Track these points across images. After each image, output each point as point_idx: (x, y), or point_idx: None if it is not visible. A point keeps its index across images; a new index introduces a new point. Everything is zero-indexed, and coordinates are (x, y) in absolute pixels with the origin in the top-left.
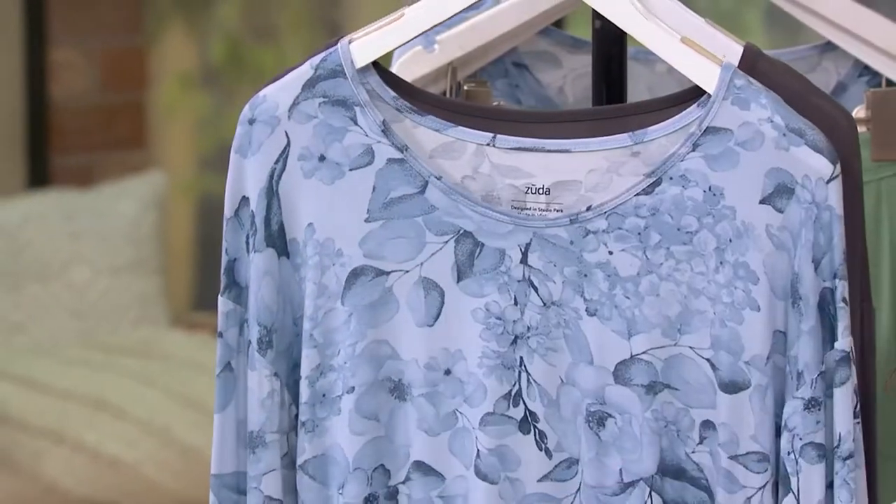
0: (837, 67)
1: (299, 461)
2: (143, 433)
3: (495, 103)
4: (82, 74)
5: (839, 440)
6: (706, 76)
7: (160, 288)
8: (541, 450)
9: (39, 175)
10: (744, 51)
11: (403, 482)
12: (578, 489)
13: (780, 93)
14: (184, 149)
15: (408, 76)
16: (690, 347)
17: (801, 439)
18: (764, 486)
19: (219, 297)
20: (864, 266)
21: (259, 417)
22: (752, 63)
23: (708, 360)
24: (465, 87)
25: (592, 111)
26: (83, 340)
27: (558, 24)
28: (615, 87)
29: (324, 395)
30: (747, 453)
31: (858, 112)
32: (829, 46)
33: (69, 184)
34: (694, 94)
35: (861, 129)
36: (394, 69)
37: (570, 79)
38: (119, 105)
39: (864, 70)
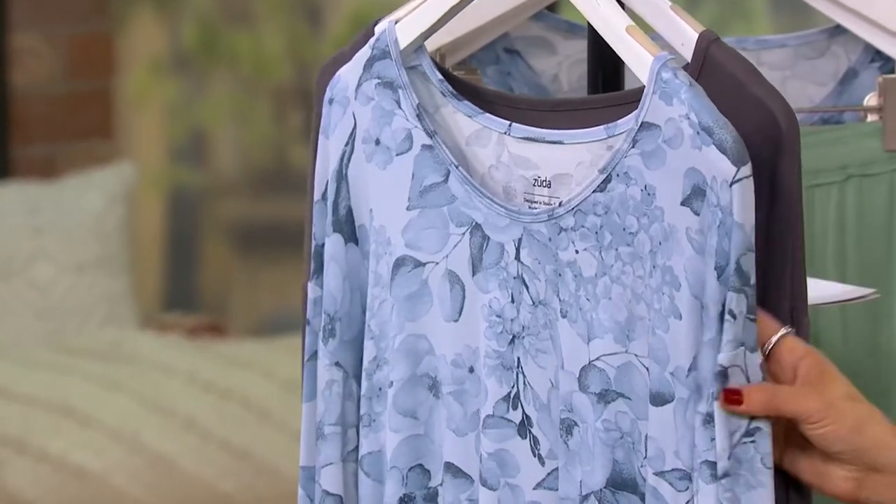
0: (847, 52)
1: (359, 455)
2: (111, 441)
3: None
4: (46, 61)
5: (717, 458)
6: (642, 68)
7: (129, 287)
8: (534, 456)
9: (0, 167)
10: (698, 37)
11: (441, 484)
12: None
13: (724, 81)
14: (153, 139)
15: None
16: (636, 355)
17: (699, 457)
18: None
19: (308, 283)
20: (800, 276)
21: (319, 408)
22: (704, 49)
23: (647, 368)
24: (455, 75)
25: (597, 99)
26: (47, 342)
27: (552, 7)
28: (611, 73)
29: (380, 389)
30: (672, 470)
31: (870, 100)
32: (838, 30)
33: (32, 176)
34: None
35: (873, 117)
36: None
37: (565, 66)
38: (85, 93)
39: (876, 55)
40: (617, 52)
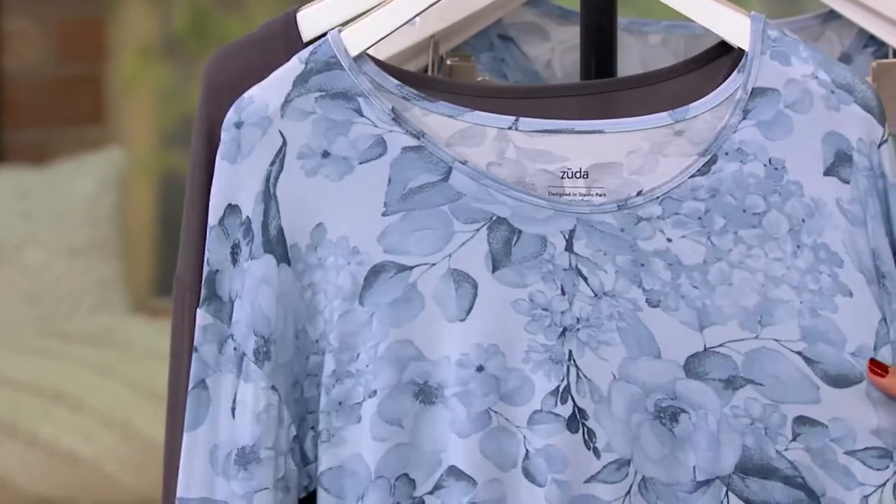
0: (841, 38)
1: (317, 472)
2: (102, 426)
3: (480, 78)
4: (37, 45)
5: None
6: (736, 30)
7: (120, 272)
8: (589, 449)
9: None
10: (751, 20)
11: (432, 492)
12: (628, 492)
13: None
14: (144, 124)
15: (386, 51)
16: (776, 340)
17: None
18: (884, 483)
19: (198, 309)
20: None
21: (254, 431)
22: (761, 32)
23: (799, 353)
24: (448, 62)
25: (609, 82)
26: (38, 328)
27: None
28: (605, 59)
29: (340, 403)
30: (865, 448)
31: None
32: (831, 15)
33: (23, 161)
34: (715, 54)
35: None
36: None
37: (559, 52)
38: (76, 78)
39: (870, 40)
40: (692, 17)
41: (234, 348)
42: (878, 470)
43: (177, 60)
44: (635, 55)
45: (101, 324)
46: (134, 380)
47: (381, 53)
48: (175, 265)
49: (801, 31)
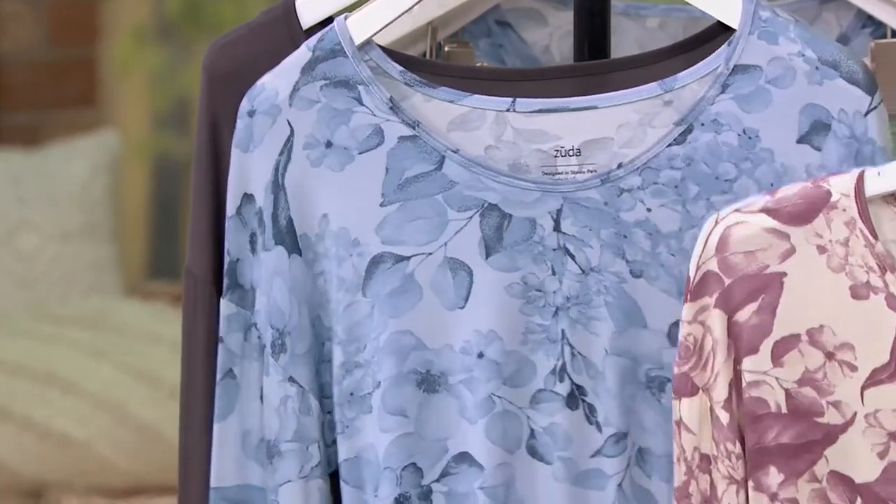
0: (839, 18)
1: (338, 465)
2: (96, 409)
3: (478, 64)
4: (29, 27)
5: None
6: (728, 10)
7: (113, 255)
8: (591, 424)
9: None
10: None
11: (438, 479)
12: (628, 465)
13: None
14: (138, 106)
15: (384, 39)
16: None
17: None
18: None
19: (221, 299)
20: None
21: (273, 426)
22: (752, 13)
23: None
24: (446, 48)
25: (606, 63)
26: (31, 311)
27: None
28: (598, 42)
29: (351, 394)
30: None
31: None
32: None
33: (15, 144)
34: (711, 35)
35: None
36: None
37: (556, 37)
38: (69, 60)
39: (868, 20)
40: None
41: (259, 337)
42: None
43: (170, 43)
44: (632, 39)
45: (95, 307)
46: (128, 363)
47: (380, 41)
48: (168, 248)
49: (799, 11)
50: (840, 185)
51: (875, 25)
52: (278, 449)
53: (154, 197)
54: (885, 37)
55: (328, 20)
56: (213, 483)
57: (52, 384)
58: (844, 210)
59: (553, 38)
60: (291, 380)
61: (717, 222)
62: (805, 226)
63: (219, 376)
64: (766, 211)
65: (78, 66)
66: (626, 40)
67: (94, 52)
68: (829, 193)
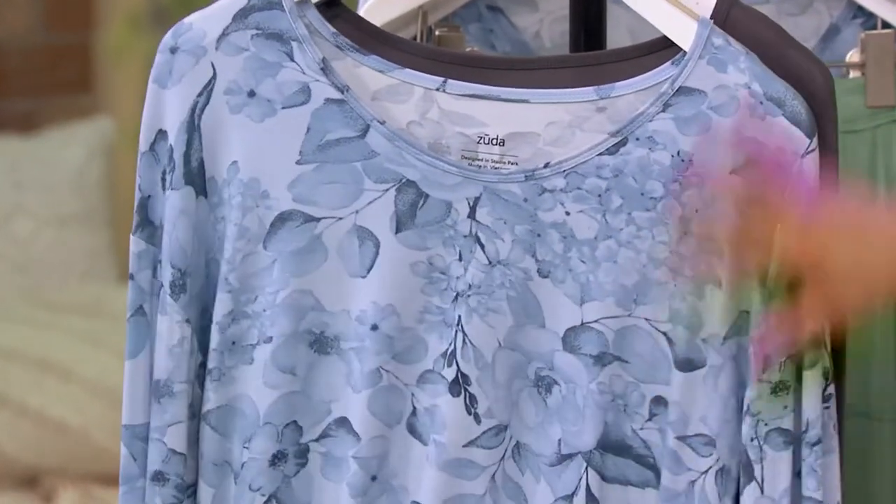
0: (830, 9)
1: (203, 410)
2: (91, 396)
3: (468, 49)
4: (24, 13)
5: (807, 425)
6: (681, 31)
7: (109, 241)
8: (469, 414)
9: None
10: (717, 1)
11: (317, 439)
12: (503, 457)
13: (752, 43)
14: (133, 93)
15: (375, 21)
16: (646, 319)
17: (766, 424)
18: (707, 470)
19: (131, 236)
20: None
21: (167, 365)
22: (725, 11)
23: (664, 333)
24: (437, 33)
25: (556, 59)
26: (27, 297)
27: None
28: (594, 31)
29: (233, 343)
30: (695, 435)
31: (853, 56)
32: None
33: (11, 130)
34: (667, 43)
35: (855, 73)
36: (360, 14)
37: (547, 22)
38: (64, 46)
39: (859, 11)
40: (640, 13)
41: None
42: (703, 457)
43: (165, 29)
44: (623, 26)
45: (91, 293)
46: (123, 349)
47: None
48: None
49: (791, 1)
50: None
51: (866, 16)
52: (170, 389)
53: None
54: (875, 28)
55: None
56: (124, 420)
57: (47, 371)
58: None
59: (544, 24)
60: (188, 321)
61: None
62: None
63: (129, 313)
64: None
65: (73, 52)
66: (618, 28)
67: (90, 39)
68: None
